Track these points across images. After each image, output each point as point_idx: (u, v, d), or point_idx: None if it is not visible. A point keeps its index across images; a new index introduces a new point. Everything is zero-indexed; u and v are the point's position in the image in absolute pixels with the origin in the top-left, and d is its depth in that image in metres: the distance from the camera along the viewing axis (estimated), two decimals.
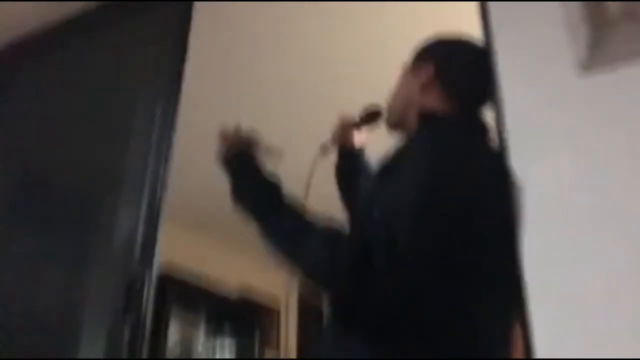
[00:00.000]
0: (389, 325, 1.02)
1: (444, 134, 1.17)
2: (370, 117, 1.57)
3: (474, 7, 1.34)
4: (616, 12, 1.07)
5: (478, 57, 1.28)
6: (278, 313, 4.95)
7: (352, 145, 1.62)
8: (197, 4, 1.94)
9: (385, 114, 1.45)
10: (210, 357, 4.45)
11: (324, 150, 1.61)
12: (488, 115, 1.26)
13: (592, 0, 1.09)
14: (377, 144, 1.60)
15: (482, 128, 1.24)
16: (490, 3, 1.28)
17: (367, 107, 1.58)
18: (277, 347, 4.94)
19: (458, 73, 1.32)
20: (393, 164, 1.17)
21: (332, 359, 1.09)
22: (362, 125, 1.61)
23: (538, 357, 0.96)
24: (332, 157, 1.66)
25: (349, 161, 1.63)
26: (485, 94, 1.23)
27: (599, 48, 1.06)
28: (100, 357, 1.57)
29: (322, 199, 1.74)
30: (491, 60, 1.22)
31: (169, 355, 4.06)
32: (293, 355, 5.00)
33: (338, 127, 1.64)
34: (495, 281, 1.08)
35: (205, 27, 2.13)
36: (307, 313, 5.31)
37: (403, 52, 1.42)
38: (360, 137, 1.64)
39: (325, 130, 1.70)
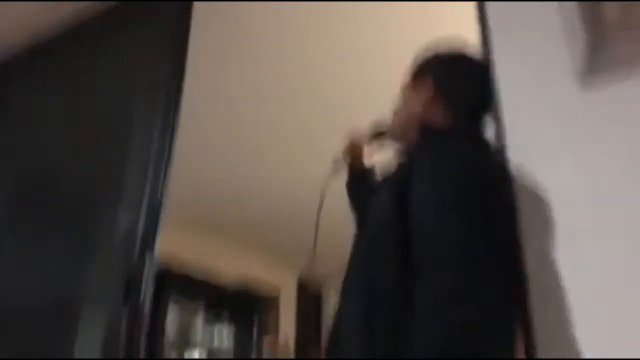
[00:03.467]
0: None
1: (447, 145, 1.17)
2: (380, 133, 1.56)
3: (472, 11, 1.34)
4: (614, 17, 1.06)
5: (477, 69, 1.29)
6: (277, 302, 4.98)
7: (362, 161, 1.63)
8: (196, 4, 1.93)
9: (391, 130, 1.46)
10: (209, 346, 4.47)
11: (336, 167, 1.62)
12: (487, 122, 1.26)
13: (589, 0, 1.08)
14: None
15: (481, 139, 1.24)
16: (487, 6, 1.27)
17: (376, 123, 1.58)
18: (276, 336, 4.97)
19: (459, 87, 1.31)
20: (401, 181, 1.15)
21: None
22: (372, 141, 1.60)
23: (538, 357, 0.96)
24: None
25: (359, 177, 1.63)
26: (487, 105, 1.24)
27: (597, 53, 1.06)
28: (99, 346, 1.58)
29: (329, 205, 1.75)
30: (489, 66, 1.22)
31: (167, 345, 4.08)
32: (292, 343, 5.02)
33: (348, 143, 1.64)
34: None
35: (205, 28, 2.12)
36: (306, 302, 5.33)
37: (402, 52, 1.42)
38: (370, 153, 1.64)
39: (326, 131, 1.69)
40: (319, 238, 1.67)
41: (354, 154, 1.63)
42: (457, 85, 1.32)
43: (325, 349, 1.16)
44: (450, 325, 0.95)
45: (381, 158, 1.64)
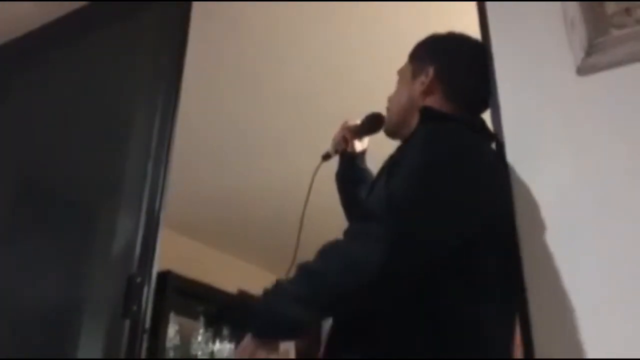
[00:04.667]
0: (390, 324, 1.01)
1: (444, 128, 1.15)
2: (371, 124, 1.55)
3: (472, 10, 1.34)
4: (614, 14, 1.07)
5: (477, 53, 1.28)
6: None
7: (353, 152, 1.61)
8: (195, 4, 1.94)
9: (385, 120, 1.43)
10: (209, 358, 4.45)
11: (325, 157, 1.61)
12: (486, 117, 1.26)
13: (590, 0, 1.09)
14: (377, 148, 1.60)
15: (483, 126, 1.23)
16: (488, 4, 1.28)
17: (368, 114, 1.56)
18: (276, 349, 4.93)
19: (459, 72, 1.30)
20: (394, 162, 1.15)
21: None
22: (364, 132, 1.60)
23: (538, 357, 0.96)
24: (332, 163, 1.65)
25: (350, 168, 1.61)
26: (487, 92, 1.22)
27: (597, 50, 1.06)
28: (99, 357, 1.57)
29: (323, 204, 1.75)
30: (489, 63, 1.22)
31: (167, 356, 4.05)
32: (292, 357, 4.99)
33: (339, 134, 1.62)
34: (495, 282, 1.05)
35: (204, 29, 2.13)
36: None
37: (403, 53, 1.41)
38: (361, 144, 1.62)
39: (325, 132, 1.69)
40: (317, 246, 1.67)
41: (345, 144, 1.60)
42: (458, 70, 1.30)
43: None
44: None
45: (373, 148, 1.64)
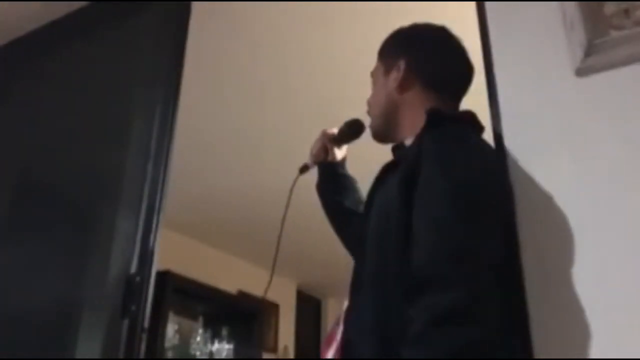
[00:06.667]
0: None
1: (456, 132, 1.11)
2: (351, 130, 1.52)
3: (471, 10, 1.34)
4: (613, 14, 1.07)
5: (443, 38, 1.25)
6: (276, 316, 4.96)
7: (333, 161, 1.57)
8: (195, 4, 1.94)
9: (367, 126, 1.38)
10: (208, 358, 4.45)
11: (303, 170, 1.57)
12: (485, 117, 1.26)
13: (589, 0, 1.10)
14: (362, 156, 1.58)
15: (476, 120, 1.20)
16: (487, 4, 1.28)
17: (347, 121, 1.53)
18: (275, 349, 4.94)
19: (430, 60, 1.27)
20: (407, 175, 1.08)
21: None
22: (344, 139, 1.56)
23: (537, 357, 0.96)
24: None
25: (332, 177, 1.56)
26: (463, 78, 1.20)
27: (596, 51, 1.06)
28: (98, 356, 1.57)
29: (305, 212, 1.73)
30: (488, 63, 1.22)
31: (166, 356, 4.06)
32: (291, 357, 5.00)
33: (318, 144, 1.58)
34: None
35: (203, 29, 2.14)
36: (305, 315, 5.31)
37: None
38: (340, 152, 1.58)
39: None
40: (319, 247, 1.67)
41: (324, 153, 1.56)
42: (430, 59, 1.26)
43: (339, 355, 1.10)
44: (449, 348, 0.88)
45: (352, 155, 1.60)
